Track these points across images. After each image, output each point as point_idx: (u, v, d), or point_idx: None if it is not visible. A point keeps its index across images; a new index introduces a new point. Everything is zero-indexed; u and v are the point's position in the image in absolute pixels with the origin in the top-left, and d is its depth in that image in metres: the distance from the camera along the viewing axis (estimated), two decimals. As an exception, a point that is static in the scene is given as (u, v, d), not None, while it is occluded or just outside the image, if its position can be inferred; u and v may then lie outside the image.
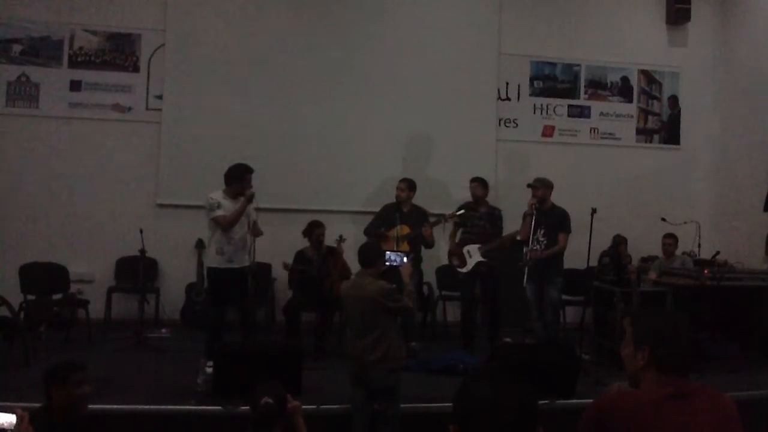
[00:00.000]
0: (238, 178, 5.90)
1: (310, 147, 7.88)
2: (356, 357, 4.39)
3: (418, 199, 6.92)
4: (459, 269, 6.65)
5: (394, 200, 6.80)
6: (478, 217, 6.69)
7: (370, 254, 4.54)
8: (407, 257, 4.78)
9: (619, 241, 7.23)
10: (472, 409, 1.54)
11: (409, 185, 6.81)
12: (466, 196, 7.00)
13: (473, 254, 6.58)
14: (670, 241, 7.31)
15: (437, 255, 7.33)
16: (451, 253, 6.76)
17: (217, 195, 5.88)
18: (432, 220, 6.75)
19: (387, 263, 4.66)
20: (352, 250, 6.81)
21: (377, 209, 7.05)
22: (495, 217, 6.71)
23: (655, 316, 2.19)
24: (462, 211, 6.75)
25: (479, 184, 6.76)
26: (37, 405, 3.46)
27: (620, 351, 2.18)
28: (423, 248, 6.71)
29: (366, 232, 6.80)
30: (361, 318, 4.36)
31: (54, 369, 3.15)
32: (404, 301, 4.42)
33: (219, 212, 5.80)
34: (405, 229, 6.60)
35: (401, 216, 6.65)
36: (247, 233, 5.90)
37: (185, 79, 7.79)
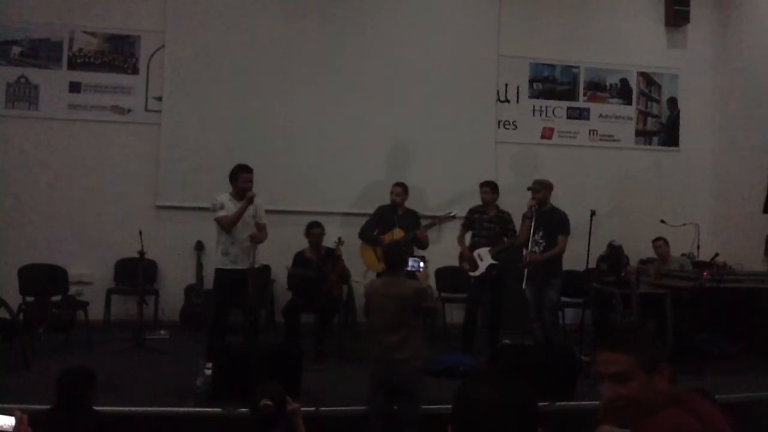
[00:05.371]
0: (233, 177, 5.98)
1: (308, 148, 7.88)
2: (381, 356, 4.39)
3: (419, 202, 6.94)
4: (470, 273, 6.63)
5: (389, 203, 6.82)
6: (488, 219, 6.67)
7: (399, 258, 4.57)
8: (423, 262, 4.82)
9: (616, 249, 7.23)
10: (470, 410, 1.54)
11: (404, 189, 6.84)
12: (466, 197, 6.98)
13: (484, 257, 6.55)
14: (659, 242, 7.28)
15: (437, 257, 7.32)
16: (462, 258, 6.74)
17: (223, 196, 5.95)
18: (425, 223, 6.77)
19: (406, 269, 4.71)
20: (349, 252, 6.90)
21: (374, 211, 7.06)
22: (505, 220, 6.68)
23: (644, 331, 1.98)
24: (454, 213, 6.76)
25: (490, 188, 6.73)
26: (37, 407, 3.47)
27: (623, 393, 1.82)
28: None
29: (360, 234, 6.81)
30: (391, 316, 4.37)
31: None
32: (431, 302, 4.49)
33: (220, 213, 5.85)
34: (400, 233, 6.61)
35: (397, 219, 6.66)
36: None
37: (184, 81, 7.79)
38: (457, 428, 1.55)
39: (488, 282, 6.55)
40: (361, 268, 6.87)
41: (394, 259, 4.58)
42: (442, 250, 7.14)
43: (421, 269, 4.70)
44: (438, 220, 6.80)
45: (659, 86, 8.92)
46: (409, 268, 4.75)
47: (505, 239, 6.61)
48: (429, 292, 4.61)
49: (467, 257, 6.65)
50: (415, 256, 6.08)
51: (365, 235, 6.77)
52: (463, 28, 8.33)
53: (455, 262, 6.91)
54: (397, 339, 4.33)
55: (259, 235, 5.94)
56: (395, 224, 6.62)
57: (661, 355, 1.84)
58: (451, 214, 6.78)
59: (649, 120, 8.91)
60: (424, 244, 6.71)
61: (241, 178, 5.94)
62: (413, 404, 4.43)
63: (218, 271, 5.97)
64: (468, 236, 6.81)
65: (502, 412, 1.49)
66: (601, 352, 1.88)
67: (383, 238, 6.62)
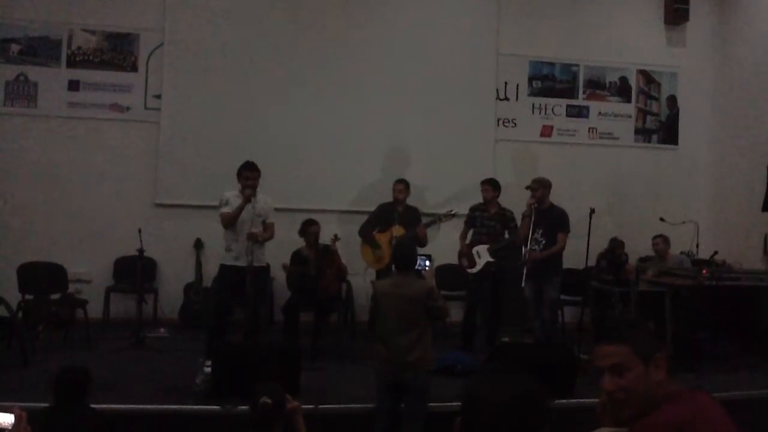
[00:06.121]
0: (237, 174, 5.96)
1: (307, 146, 7.87)
2: (392, 357, 4.37)
3: (418, 200, 6.94)
4: (468, 270, 6.64)
5: (391, 200, 6.84)
6: (488, 217, 6.67)
7: (410, 257, 4.55)
8: (429, 261, 4.79)
9: (617, 245, 7.23)
10: (480, 405, 1.54)
11: (406, 186, 6.86)
12: (465, 195, 6.98)
13: (482, 255, 6.56)
14: (657, 240, 7.28)
15: (436, 255, 7.31)
16: (460, 254, 6.75)
17: (230, 193, 5.98)
18: (426, 220, 6.78)
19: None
20: (349, 250, 6.91)
21: (373, 208, 7.08)
22: (506, 218, 6.68)
23: (639, 323, 1.99)
24: (455, 211, 6.77)
25: (490, 186, 6.72)
26: (36, 405, 3.47)
27: (622, 384, 1.83)
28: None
29: (360, 232, 6.84)
30: (402, 317, 4.34)
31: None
32: (441, 301, 4.46)
33: (223, 209, 5.88)
34: (399, 230, 6.62)
35: (397, 216, 6.68)
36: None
37: (183, 79, 7.79)
38: (467, 422, 1.55)
39: (486, 279, 6.55)
40: (360, 265, 6.88)
41: (405, 258, 4.54)
42: (441, 247, 7.14)
43: (427, 268, 4.69)
44: (438, 218, 6.80)
45: (658, 84, 8.91)
46: (416, 267, 4.74)
47: (507, 236, 6.61)
48: (438, 291, 4.58)
49: (465, 254, 6.66)
50: (421, 255, 6.10)
51: (363, 233, 6.80)
52: (462, 26, 8.32)
53: (454, 260, 6.91)
54: (409, 340, 4.30)
55: (258, 234, 5.91)
56: (395, 221, 6.64)
57: (657, 345, 1.86)
58: (452, 212, 6.78)
59: (649, 118, 8.90)
60: (422, 242, 6.72)
61: (243, 175, 5.94)
62: (420, 404, 4.42)
63: (221, 267, 6.02)
64: (470, 234, 6.82)
65: (512, 408, 1.50)
66: (598, 347, 1.91)
67: (381, 235, 6.67)
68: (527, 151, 8.45)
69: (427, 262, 4.69)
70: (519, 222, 6.66)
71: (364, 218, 7.12)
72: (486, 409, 1.52)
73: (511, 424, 1.50)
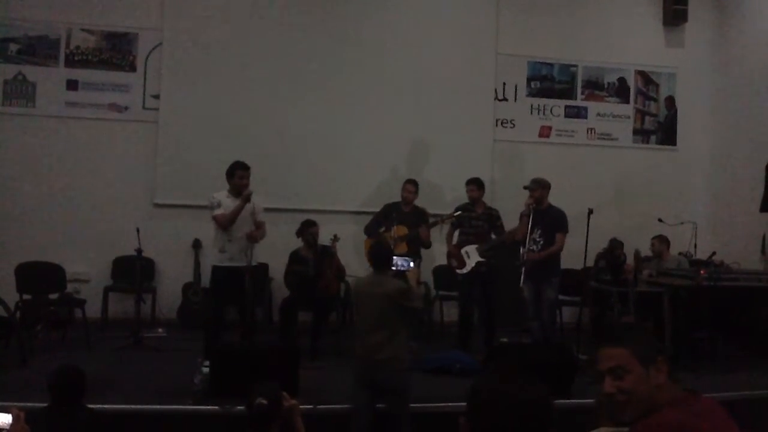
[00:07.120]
0: (229, 175, 5.96)
1: (307, 147, 7.87)
2: (364, 355, 4.37)
3: (417, 200, 6.94)
4: (458, 271, 6.65)
5: (399, 200, 6.86)
6: (475, 217, 6.68)
7: (384, 256, 4.56)
8: (413, 262, 4.79)
9: (616, 245, 7.23)
10: (487, 404, 1.55)
11: (415, 187, 6.87)
12: (462, 196, 7.00)
13: (471, 255, 6.57)
14: (654, 241, 7.28)
15: (434, 255, 7.32)
16: (449, 255, 6.75)
17: (221, 194, 5.94)
18: (431, 221, 6.78)
19: (393, 268, 4.66)
20: (348, 250, 6.91)
21: (374, 209, 7.09)
22: (493, 217, 6.70)
23: (639, 327, 2.07)
24: (459, 212, 6.77)
25: (475, 186, 6.74)
26: (34, 405, 3.47)
27: (622, 387, 1.83)
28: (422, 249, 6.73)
29: (366, 230, 6.85)
30: (375, 315, 4.34)
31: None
32: (417, 302, 4.46)
33: (218, 211, 5.84)
34: (402, 230, 6.62)
35: (401, 216, 6.68)
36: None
37: (182, 79, 7.78)
38: (473, 421, 1.55)
39: (478, 279, 6.56)
40: (363, 264, 6.88)
41: (379, 257, 4.55)
42: (439, 248, 7.14)
43: (410, 268, 4.67)
44: (442, 220, 6.81)
45: (657, 85, 8.92)
46: (399, 268, 4.72)
47: (493, 236, 6.62)
48: (419, 291, 4.56)
49: (455, 255, 6.67)
50: (408, 255, 6.09)
51: (370, 231, 6.82)
52: (461, 27, 8.32)
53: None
54: (379, 339, 4.29)
55: (256, 234, 5.93)
56: (395, 221, 6.64)
57: (658, 348, 1.87)
58: (456, 214, 6.78)
59: (647, 119, 8.91)
60: (426, 244, 6.72)
61: (237, 175, 5.92)
62: (399, 404, 4.41)
63: (215, 269, 5.97)
64: (456, 234, 6.83)
65: (521, 408, 1.51)
66: (599, 350, 1.92)
67: (385, 234, 6.65)
68: (525, 152, 8.45)
69: (411, 263, 4.67)
70: (508, 222, 6.67)
71: (362, 219, 7.12)
72: (496, 408, 1.52)
73: (520, 424, 1.50)
